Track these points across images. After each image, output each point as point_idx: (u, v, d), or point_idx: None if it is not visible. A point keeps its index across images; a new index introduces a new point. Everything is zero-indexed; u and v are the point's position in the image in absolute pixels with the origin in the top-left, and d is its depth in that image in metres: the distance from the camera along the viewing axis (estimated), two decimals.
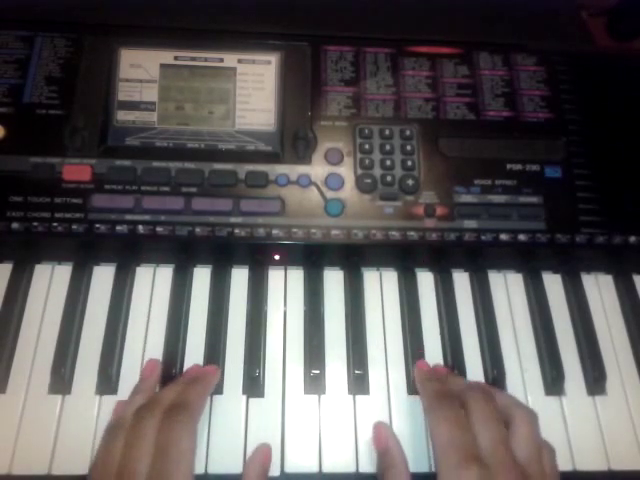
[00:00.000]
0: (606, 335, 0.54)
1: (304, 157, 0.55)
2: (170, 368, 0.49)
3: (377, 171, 0.55)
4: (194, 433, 0.42)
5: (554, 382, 0.51)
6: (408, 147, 0.56)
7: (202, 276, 0.55)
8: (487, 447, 0.40)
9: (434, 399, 0.45)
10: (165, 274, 0.54)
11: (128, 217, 0.52)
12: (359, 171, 0.55)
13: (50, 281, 0.53)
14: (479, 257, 0.56)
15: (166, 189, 0.53)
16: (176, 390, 0.45)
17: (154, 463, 0.39)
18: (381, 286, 0.55)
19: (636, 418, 0.50)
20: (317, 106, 0.57)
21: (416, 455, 0.47)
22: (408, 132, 0.56)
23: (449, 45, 0.60)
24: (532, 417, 0.44)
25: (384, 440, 0.46)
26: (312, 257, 0.55)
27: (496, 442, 0.41)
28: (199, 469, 0.46)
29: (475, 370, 0.51)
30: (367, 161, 0.55)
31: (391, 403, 0.49)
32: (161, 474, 0.39)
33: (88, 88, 0.55)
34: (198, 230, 0.52)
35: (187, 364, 0.50)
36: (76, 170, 0.53)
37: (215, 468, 0.46)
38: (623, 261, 0.57)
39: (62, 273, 0.54)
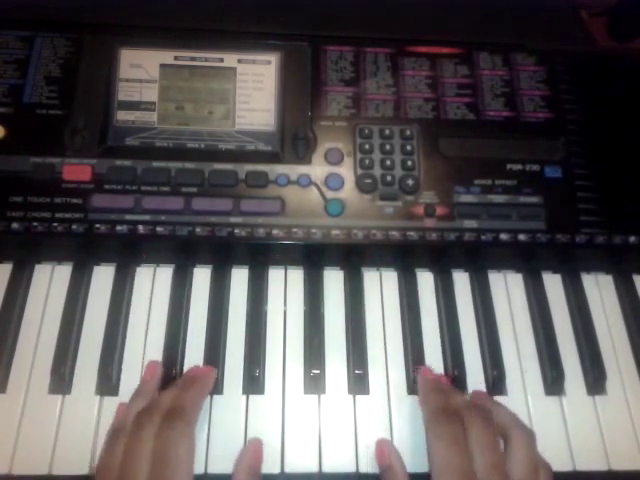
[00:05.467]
0: (606, 335, 0.54)
1: (304, 157, 0.55)
2: (170, 368, 0.49)
3: (377, 171, 0.55)
4: (192, 438, 0.43)
5: (554, 382, 0.51)
6: (408, 147, 0.56)
7: (202, 276, 0.55)
8: (481, 471, 0.41)
9: (435, 415, 0.44)
10: (165, 274, 0.54)
11: (128, 217, 0.52)
12: (359, 171, 0.55)
13: (50, 281, 0.53)
14: (479, 257, 0.56)
15: (166, 189, 0.53)
16: (174, 394, 0.45)
17: (153, 469, 0.40)
18: (381, 286, 0.55)
19: (636, 418, 0.50)
20: (317, 106, 0.57)
21: (415, 455, 0.47)
22: (408, 132, 0.56)
23: (449, 45, 0.60)
24: (529, 438, 0.44)
25: (387, 457, 0.46)
26: (312, 257, 0.55)
27: (490, 467, 0.41)
28: (199, 469, 0.46)
29: (475, 370, 0.51)
30: (367, 161, 0.55)
31: (391, 403, 0.50)
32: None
33: (88, 88, 0.55)
34: (198, 230, 0.52)
35: (187, 364, 0.50)
36: (76, 170, 0.53)
37: (215, 468, 0.46)
38: (623, 261, 0.57)
39: (62, 273, 0.54)
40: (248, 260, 0.55)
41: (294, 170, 0.55)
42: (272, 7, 0.62)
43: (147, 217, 0.52)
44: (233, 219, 0.53)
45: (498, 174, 0.56)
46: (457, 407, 0.45)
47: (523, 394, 0.51)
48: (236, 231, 0.52)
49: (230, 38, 0.59)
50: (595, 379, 0.51)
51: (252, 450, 0.46)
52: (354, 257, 0.55)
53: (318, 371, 0.50)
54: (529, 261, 0.56)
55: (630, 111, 0.59)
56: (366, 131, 0.56)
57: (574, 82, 0.60)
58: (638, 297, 0.56)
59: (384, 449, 0.47)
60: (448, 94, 0.58)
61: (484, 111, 0.58)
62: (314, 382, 0.50)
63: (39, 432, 0.47)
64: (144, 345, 0.51)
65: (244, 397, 0.49)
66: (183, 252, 0.54)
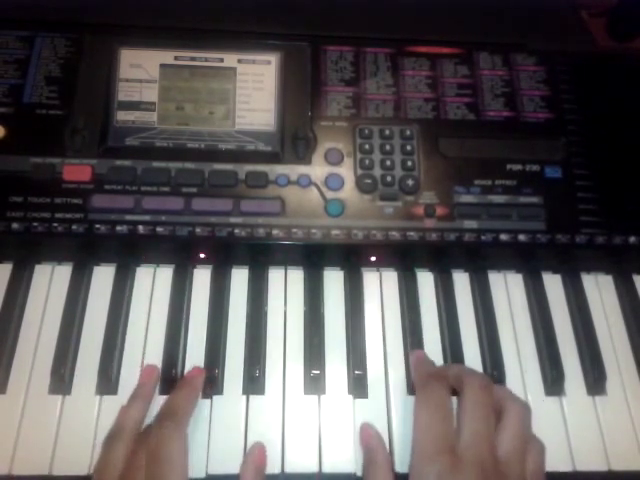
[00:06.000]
0: (606, 335, 0.54)
1: (304, 157, 0.55)
2: (170, 368, 0.49)
3: (377, 171, 0.55)
4: (182, 437, 0.44)
5: (554, 382, 0.51)
6: (408, 147, 0.56)
7: (202, 276, 0.55)
8: (467, 439, 0.40)
9: (424, 380, 0.46)
10: (165, 274, 0.54)
11: (128, 217, 0.52)
12: (359, 171, 0.55)
13: (50, 281, 0.53)
14: (479, 257, 0.56)
15: (166, 189, 0.53)
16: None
17: (148, 468, 0.41)
18: (381, 286, 0.55)
19: (636, 418, 0.50)
20: (317, 106, 0.57)
21: None
22: (408, 132, 0.56)
23: (449, 45, 0.60)
24: (524, 413, 0.43)
25: (366, 437, 0.47)
26: (312, 257, 0.55)
27: (476, 436, 0.40)
28: (199, 469, 0.46)
29: None
30: (367, 161, 0.55)
31: (390, 403, 0.49)
32: (155, 477, 0.41)
33: (88, 88, 0.55)
34: (198, 230, 0.52)
35: (187, 364, 0.50)
36: (76, 170, 0.53)
37: (215, 468, 0.46)
38: (623, 261, 0.57)
39: (62, 273, 0.54)
40: (248, 260, 0.55)
41: (294, 170, 0.55)
42: (272, 7, 0.62)
43: (147, 217, 0.52)
44: (233, 219, 0.53)
45: (498, 174, 0.56)
46: (455, 373, 0.45)
47: (523, 394, 0.51)
48: (236, 231, 0.52)
49: (230, 38, 0.59)
50: (595, 379, 0.51)
51: (257, 452, 0.46)
52: (354, 257, 0.55)
53: (318, 371, 0.50)
54: (529, 261, 0.56)
55: (630, 111, 0.59)
56: (366, 131, 0.56)
57: (574, 82, 0.60)
58: (638, 297, 0.56)
59: (365, 430, 0.47)
60: (448, 94, 0.58)
61: (484, 111, 0.58)
62: (314, 382, 0.50)
63: (39, 432, 0.47)
64: (144, 346, 0.51)
65: (244, 397, 0.49)
66: (183, 252, 0.54)
